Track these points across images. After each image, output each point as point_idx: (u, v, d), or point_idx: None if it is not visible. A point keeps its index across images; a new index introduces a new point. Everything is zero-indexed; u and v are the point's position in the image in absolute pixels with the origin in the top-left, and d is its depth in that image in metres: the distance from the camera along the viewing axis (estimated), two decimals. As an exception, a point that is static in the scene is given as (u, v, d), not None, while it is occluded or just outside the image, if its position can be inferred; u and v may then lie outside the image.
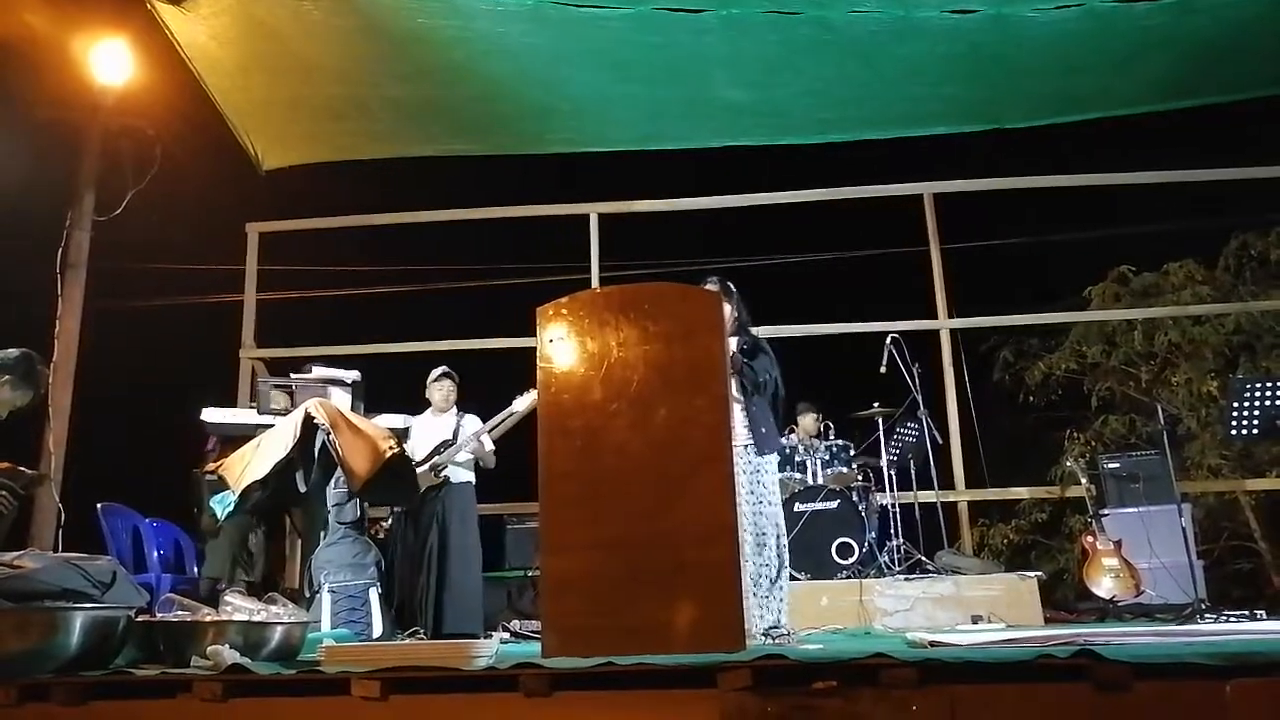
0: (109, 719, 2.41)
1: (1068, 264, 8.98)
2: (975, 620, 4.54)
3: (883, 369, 5.66)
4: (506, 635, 4.77)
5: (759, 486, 3.72)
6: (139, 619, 2.79)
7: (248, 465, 4.11)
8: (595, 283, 6.83)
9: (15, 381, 3.76)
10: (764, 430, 3.78)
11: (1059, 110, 6.76)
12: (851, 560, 5.35)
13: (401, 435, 4.78)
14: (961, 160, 7.33)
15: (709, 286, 3.90)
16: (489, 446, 5.18)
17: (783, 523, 3.77)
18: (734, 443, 3.69)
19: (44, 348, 6.25)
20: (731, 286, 3.97)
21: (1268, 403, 4.81)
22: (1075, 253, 9.26)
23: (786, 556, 3.72)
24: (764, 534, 3.67)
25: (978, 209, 8.03)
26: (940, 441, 5.84)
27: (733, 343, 3.84)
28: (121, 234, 6.97)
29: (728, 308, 3.87)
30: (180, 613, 2.81)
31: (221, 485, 4.28)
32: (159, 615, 2.87)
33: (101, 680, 2.42)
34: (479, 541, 5.11)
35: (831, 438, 5.97)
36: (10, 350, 3.86)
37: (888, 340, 5.71)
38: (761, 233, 9.19)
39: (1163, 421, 5.59)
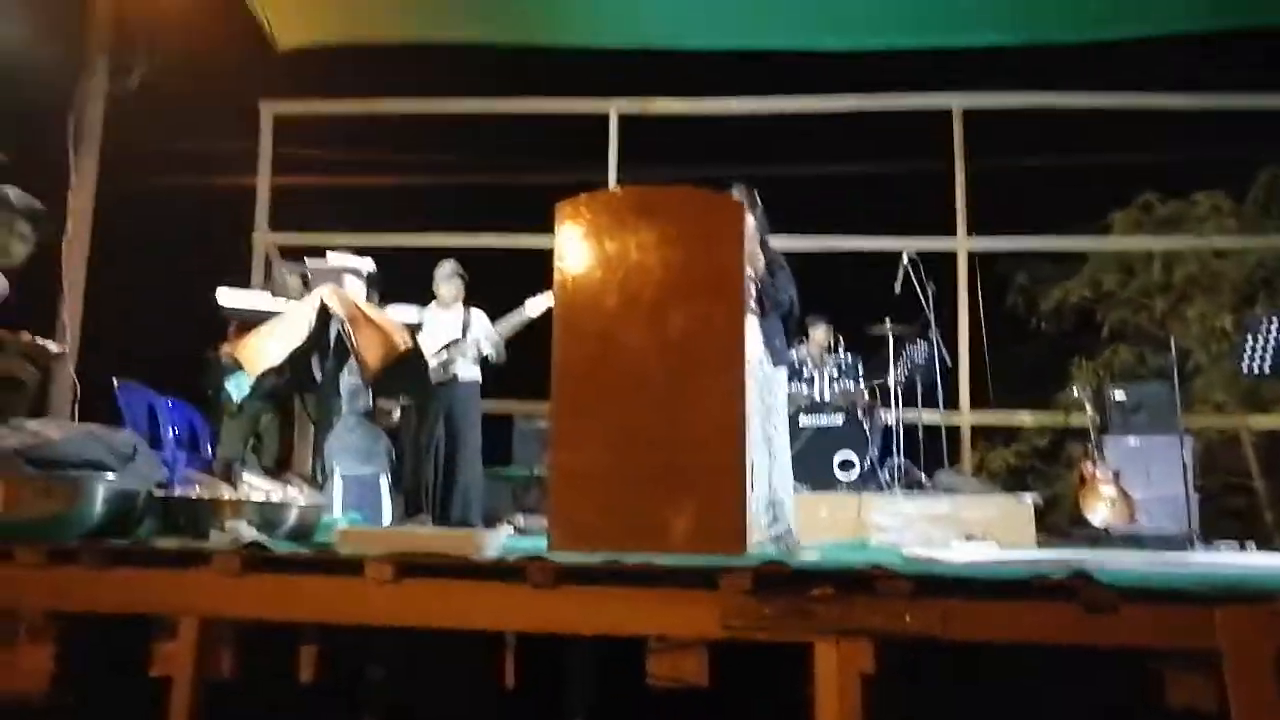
0: (131, 586, 2.51)
1: (1093, 189, 8.79)
2: (968, 539, 4.63)
3: (897, 287, 5.63)
4: (512, 530, 4.90)
5: (772, 399, 3.74)
6: (159, 494, 2.87)
7: (263, 350, 4.15)
8: (612, 185, 6.75)
9: (27, 226, 3.69)
10: (777, 344, 3.80)
11: (1100, 26, 6.53)
12: (852, 475, 5.45)
13: (414, 329, 4.80)
14: (989, 79, 7.11)
15: (734, 194, 3.84)
16: (500, 346, 5.21)
17: (788, 434, 3.82)
18: (750, 355, 3.74)
19: (58, 223, 6.26)
20: (757, 197, 3.90)
21: (1282, 341, 4.79)
22: (1103, 177, 9.07)
23: (789, 465, 3.78)
24: (775, 446, 3.71)
25: (1005, 128, 7.82)
26: (949, 363, 5.86)
27: (759, 259, 3.80)
28: (134, 108, 6.87)
29: (750, 217, 3.82)
30: (199, 489, 2.88)
31: (236, 368, 4.33)
32: (179, 491, 2.95)
33: (125, 548, 2.51)
34: (480, 438, 5.20)
35: (841, 352, 5.99)
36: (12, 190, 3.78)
37: (904, 258, 5.67)
38: (783, 141, 8.99)
39: (1174, 354, 5.59)
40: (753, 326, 3.75)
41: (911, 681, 2.50)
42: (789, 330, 4.00)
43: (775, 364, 3.78)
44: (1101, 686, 2.58)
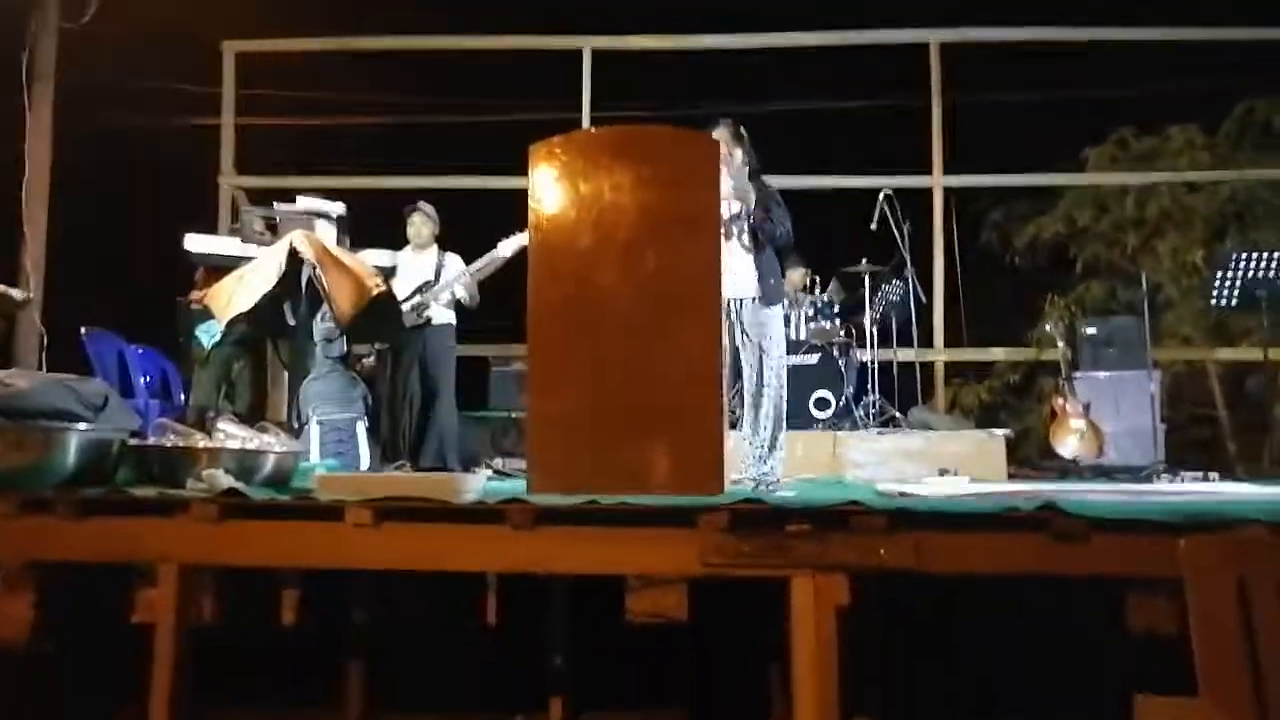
0: (108, 534, 2.51)
1: (1070, 125, 8.77)
2: (942, 473, 4.70)
3: (874, 225, 5.62)
4: (490, 473, 4.92)
5: (763, 338, 3.73)
6: (133, 443, 2.84)
7: (233, 296, 4.09)
8: (586, 124, 6.64)
9: None
10: (772, 282, 3.77)
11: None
12: (828, 413, 5.50)
13: (387, 273, 4.75)
14: (966, 14, 7.02)
15: (719, 130, 3.78)
16: (473, 289, 5.17)
17: (784, 376, 3.80)
18: (744, 294, 3.73)
19: (12, 166, 6.08)
20: (743, 131, 3.84)
21: (1250, 274, 4.86)
22: (1079, 113, 9.04)
23: (784, 409, 3.78)
24: (766, 384, 3.70)
25: (981, 63, 7.75)
26: (924, 301, 5.88)
27: (751, 193, 3.76)
28: (90, 45, 6.64)
29: (739, 152, 3.78)
30: (174, 438, 2.86)
31: (206, 315, 4.28)
32: (153, 439, 2.92)
33: (100, 497, 2.50)
34: (454, 382, 5.19)
35: (818, 293, 6.00)
36: None
37: (880, 196, 5.64)
38: (759, 78, 8.88)
39: (1144, 289, 5.65)
40: (746, 263, 3.73)
41: (886, 612, 2.57)
42: (783, 264, 3.98)
43: (768, 302, 3.75)
44: (1068, 613, 2.66)
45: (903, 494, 2.92)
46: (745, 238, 3.75)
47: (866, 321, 5.80)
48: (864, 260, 5.87)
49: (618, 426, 2.98)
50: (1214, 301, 4.96)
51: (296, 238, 4.20)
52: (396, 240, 5.28)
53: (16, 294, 3.87)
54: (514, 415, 5.91)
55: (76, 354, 5.15)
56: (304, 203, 4.84)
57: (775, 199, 3.80)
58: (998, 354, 7.48)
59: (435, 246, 5.29)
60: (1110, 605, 2.24)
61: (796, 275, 5.98)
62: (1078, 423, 5.31)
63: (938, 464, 4.82)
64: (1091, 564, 2.18)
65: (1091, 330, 5.83)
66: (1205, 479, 4.42)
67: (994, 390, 9.01)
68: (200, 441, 2.83)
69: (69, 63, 6.45)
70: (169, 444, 2.81)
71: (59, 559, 2.73)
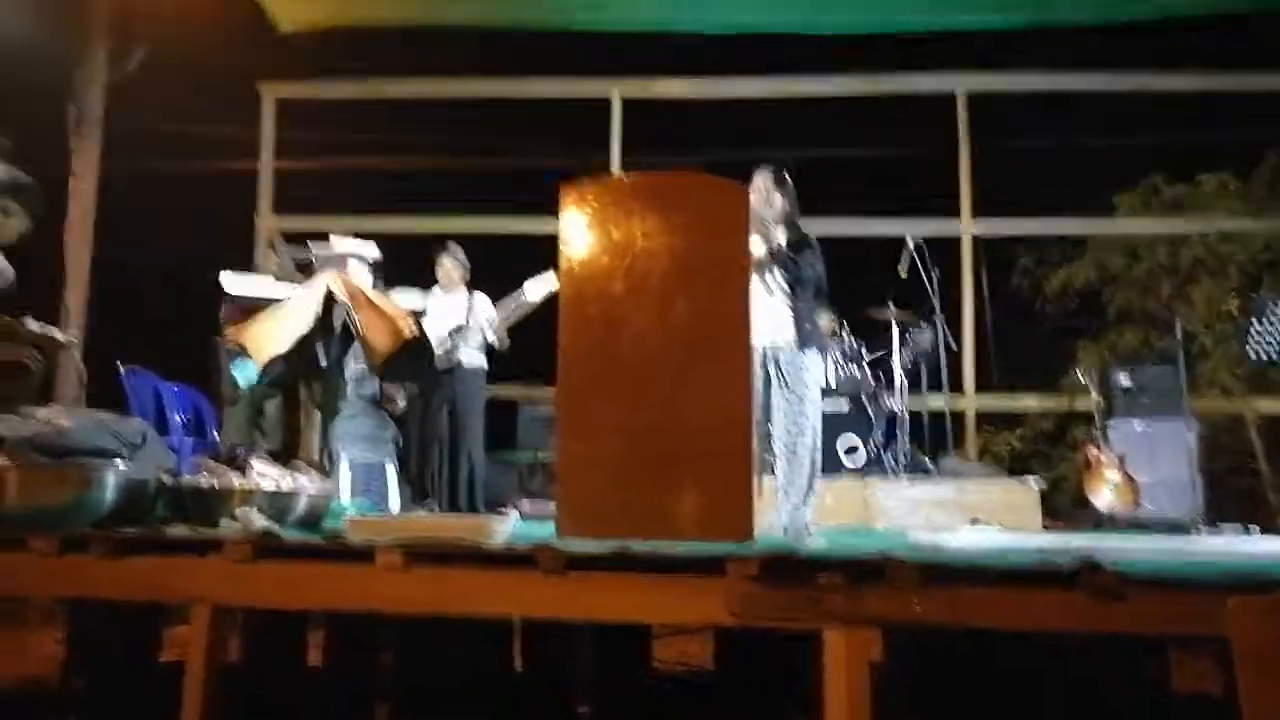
0: (143, 573, 2.52)
1: (1099, 171, 8.75)
2: (974, 524, 4.64)
3: (902, 272, 5.62)
4: (518, 515, 4.92)
5: (799, 384, 3.72)
6: (169, 481, 2.88)
7: (269, 336, 4.14)
8: (615, 168, 6.73)
9: (12, 203, 3.68)
10: (807, 327, 3.77)
11: (1106, 8, 6.48)
12: (858, 461, 5.46)
13: (419, 315, 4.80)
14: (994, 61, 7.07)
15: (761, 176, 3.84)
16: (502, 333, 5.22)
17: (819, 423, 3.78)
18: (780, 339, 3.74)
19: (58, 208, 6.25)
20: (786, 177, 3.90)
21: (1288, 325, 4.79)
22: (1109, 160, 9.02)
23: (820, 457, 3.76)
24: (801, 431, 3.70)
25: (1010, 110, 7.78)
26: (954, 347, 5.85)
27: (781, 235, 3.80)
28: (135, 93, 6.85)
29: (779, 198, 3.83)
30: (209, 476, 2.89)
31: (241, 353, 4.34)
32: (188, 477, 2.96)
33: (136, 536, 2.53)
34: (483, 424, 5.22)
35: (846, 338, 5.98)
36: None
37: (910, 242, 5.65)
38: (787, 124, 8.95)
39: (1180, 337, 5.58)
40: (782, 308, 3.75)
41: (919, 668, 2.52)
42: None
43: (803, 346, 3.75)
44: (1107, 671, 2.60)
45: (936, 545, 2.88)
46: (781, 281, 3.76)
47: (896, 368, 5.77)
48: (892, 306, 5.86)
49: (647, 471, 2.97)
50: (1251, 352, 4.88)
51: (332, 279, 4.26)
52: (428, 282, 5.35)
53: (60, 336, 3.95)
54: (541, 457, 5.91)
55: (115, 390, 5.24)
56: (339, 243, 4.92)
57: (810, 243, 3.83)
58: (1029, 402, 7.39)
59: (464, 289, 5.36)
60: (1152, 665, 2.18)
61: (824, 321, 5.96)
62: (1112, 473, 5.22)
63: (969, 513, 4.76)
64: (1131, 622, 2.13)
65: (1126, 378, 5.76)
66: (1246, 533, 4.32)
67: (1025, 438, 8.89)
68: (235, 481, 2.86)
69: (113, 107, 6.65)
70: (204, 483, 2.84)
71: (94, 598, 2.76)
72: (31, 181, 3.82)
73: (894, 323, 5.82)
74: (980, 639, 2.29)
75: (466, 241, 5.56)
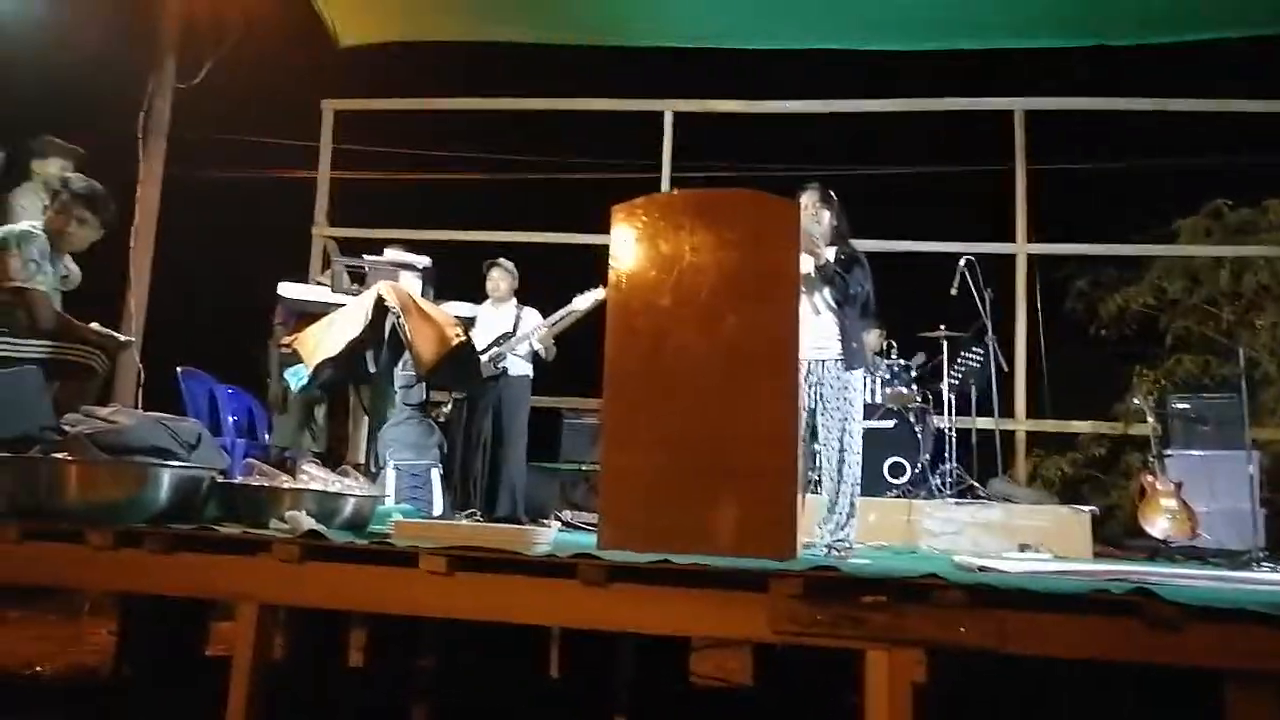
0: (193, 569, 2.58)
1: (1160, 194, 8.57)
2: (1023, 549, 4.55)
3: (954, 291, 5.56)
4: (559, 525, 4.94)
5: (844, 402, 3.72)
6: (221, 481, 2.95)
7: (321, 342, 4.23)
8: (665, 184, 6.77)
9: (88, 212, 3.82)
10: (854, 345, 3.76)
11: (1167, 28, 6.36)
12: (903, 480, 5.40)
13: (468, 324, 4.86)
14: (1049, 79, 6.99)
15: (809, 193, 3.85)
16: (548, 342, 5.26)
17: (861, 441, 3.77)
18: (826, 355, 3.74)
19: (123, 213, 6.45)
20: (832, 195, 3.91)
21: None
22: (1169, 182, 8.84)
23: (860, 474, 3.75)
24: (846, 449, 3.69)
25: (1068, 130, 7.67)
26: (1005, 368, 5.77)
27: (830, 252, 3.80)
28: (200, 104, 7.06)
29: (827, 214, 3.85)
30: (259, 477, 2.95)
31: (294, 359, 4.43)
32: (239, 478, 3.02)
33: (188, 533, 2.58)
34: (526, 433, 5.25)
35: (894, 356, 5.93)
36: (77, 177, 3.91)
37: (961, 262, 5.59)
38: (841, 142, 8.93)
39: (1242, 364, 5.42)
40: (829, 324, 3.75)
41: (963, 693, 2.47)
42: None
43: (851, 365, 3.75)
44: (1160, 705, 2.53)
45: (983, 568, 2.83)
46: (829, 298, 3.74)
47: (944, 388, 5.70)
48: (942, 326, 5.80)
49: (691, 485, 2.96)
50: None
51: (384, 288, 4.34)
52: (478, 293, 5.42)
53: (121, 337, 4.07)
54: (584, 468, 5.94)
55: (170, 391, 5.38)
56: (391, 254, 5.01)
57: (859, 260, 3.82)
58: (1082, 426, 7.23)
59: (513, 300, 5.42)
60: (1208, 700, 2.11)
61: (872, 338, 5.93)
62: (1169, 502, 5.08)
63: (1017, 538, 4.67)
64: (1187, 654, 2.07)
65: (1184, 406, 5.62)
66: (1309, 568, 4.16)
67: (1077, 464, 8.70)
68: (285, 482, 2.91)
69: (180, 118, 6.86)
70: (255, 483, 2.90)
71: (146, 592, 2.83)
72: (105, 192, 3.96)
73: (944, 342, 5.74)
74: (1025, 664, 2.24)
75: (516, 254, 5.63)
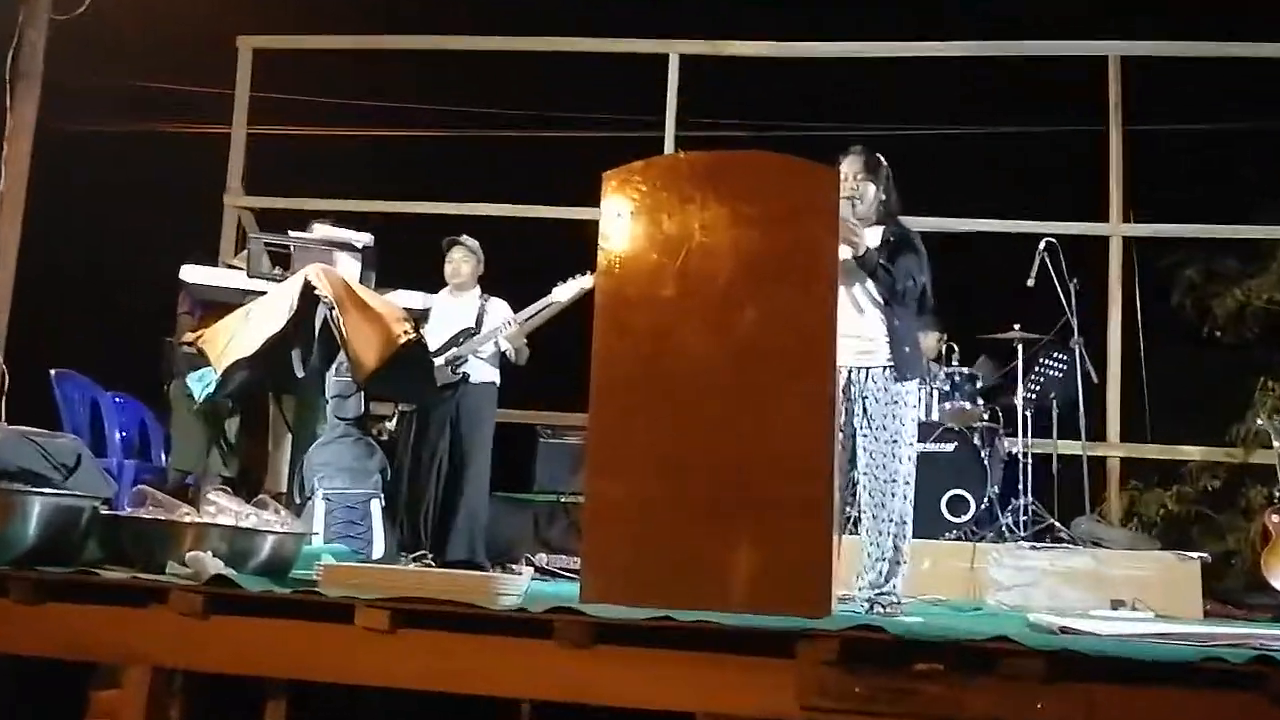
0: (70, 624, 2.58)
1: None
2: (1116, 606, 4.56)
3: (1031, 282, 5.56)
4: (533, 571, 4.94)
5: (892, 420, 3.71)
6: (105, 512, 2.94)
7: (234, 339, 4.23)
8: (669, 145, 6.77)
9: None
10: (906, 349, 3.74)
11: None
12: (965, 518, 5.40)
13: (419, 319, 4.86)
14: (1151, 17, 7.01)
15: (851, 158, 3.84)
16: (520, 342, 5.26)
17: (913, 469, 3.77)
18: (870, 362, 3.74)
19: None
20: (881, 160, 3.89)
21: None
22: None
23: (911, 510, 3.74)
24: (893, 480, 3.68)
25: (1175, 81, 7.68)
26: (1095, 379, 5.77)
27: (874, 235, 3.80)
28: (82, 39, 7.04)
29: (871, 188, 3.83)
30: (153, 509, 2.94)
31: (201, 360, 4.43)
32: (128, 510, 3.01)
33: (65, 579, 2.57)
34: (490, 455, 5.25)
35: (955, 363, 5.94)
36: None
37: (1041, 246, 5.60)
38: (888, 95, 8.94)
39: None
40: (875, 323, 3.75)
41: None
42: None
43: (902, 375, 3.74)
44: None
45: (1065, 629, 2.83)
46: (875, 293, 3.75)
47: (1018, 402, 5.70)
48: (1016, 326, 5.80)
49: (698, 522, 2.97)
50: None
51: (313, 272, 4.34)
52: (432, 280, 5.42)
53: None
54: (564, 499, 5.94)
55: (42, 398, 5.37)
56: (323, 230, 5.01)
57: (914, 245, 3.82)
58: (1191, 452, 7.23)
59: (477, 289, 5.42)
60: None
61: (929, 341, 5.93)
62: (1299, 548, 5.09)
63: (1110, 592, 4.68)
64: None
65: (1322, 428, 5.62)
66: None
67: (1185, 499, 8.70)
68: (186, 515, 2.90)
69: (56, 57, 6.85)
70: (148, 516, 2.89)
71: (6, 652, 2.81)
72: None
73: (1018, 346, 5.75)
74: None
75: (482, 231, 5.63)
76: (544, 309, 5.24)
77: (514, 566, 4.84)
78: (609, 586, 2.90)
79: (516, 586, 2.75)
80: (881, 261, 3.73)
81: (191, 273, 4.79)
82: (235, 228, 6.93)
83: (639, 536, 2.99)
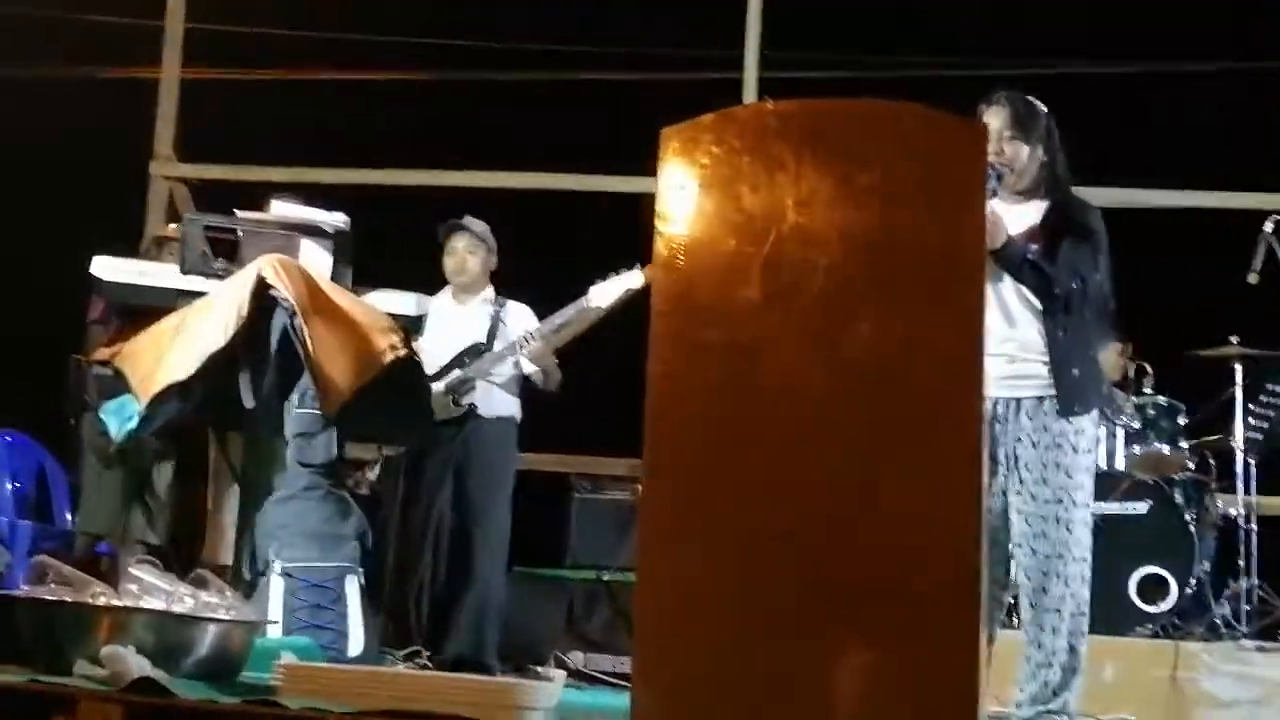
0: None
1: None
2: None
3: (1253, 277, 5.49)
4: (564, 675, 4.94)
5: (1057, 471, 3.69)
6: (-7, 592, 2.97)
7: (164, 357, 4.27)
8: (750, 93, 6.79)
9: None
10: (1076, 373, 3.73)
11: None
12: (1165, 606, 5.34)
13: (410, 328, 4.88)
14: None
15: (996, 109, 3.82)
16: (548, 361, 5.27)
17: (1089, 539, 3.74)
18: (1023, 391, 3.73)
19: None
20: (1038, 107, 3.87)
21: None
22: None
23: (1088, 596, 3.71)
24: (1060, 555, 3.66)
25: None
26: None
27: (1032, 211, 3.80)
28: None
29: (1024, 149, 3.80)
30: (57, 587, 2.96)
31: (119, 386, 4.48)
32: (23, 588, 3.04)
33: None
34: (508, 516, 5.27)
35: (1147, 390, 5.89)
36: None
37: (1268, 227, 5.53)
38: (1040, 25, 8.91)
39: None
40: (1030, 335, 3.75)
41: None
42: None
43: (1071, 409, 3.72)
44: None
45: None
46: (1030, 296, 3.73)
47: (1238, 446, 5.65)
48: (1233, 339, 5.76)
49: (793, 614, 2.94)
50: None
51: (268, 267, 4.37)
52: (430, 277, 5.45)
53: None
54: (607, 578, 5.95)
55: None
56: (282, 209, 5.06)
57: (1089, 225, 3.81)
58: None
59: (489, 289, 5.44)
60: None
61: (1110, 359, 5.89)
62: None
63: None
64: None
65: None
66: None
67: None
68: (100, 597, 2.93)
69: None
70: (50, 598, 2.91)
71: None
72: None
73: (1236, 366, 5.71)
74: None
75: (494, 211, 5.66)
76: (578, 316, 5.25)
77: (540, 669, 4.85)
78: (668, 707, 2.89)
79: (544, 697, 2.74)
80: (1030, 256, 3.69)
81: (105, 267, 4.83)
82: (165, 206, 7.03)
83: (710, 637, 2.97)
